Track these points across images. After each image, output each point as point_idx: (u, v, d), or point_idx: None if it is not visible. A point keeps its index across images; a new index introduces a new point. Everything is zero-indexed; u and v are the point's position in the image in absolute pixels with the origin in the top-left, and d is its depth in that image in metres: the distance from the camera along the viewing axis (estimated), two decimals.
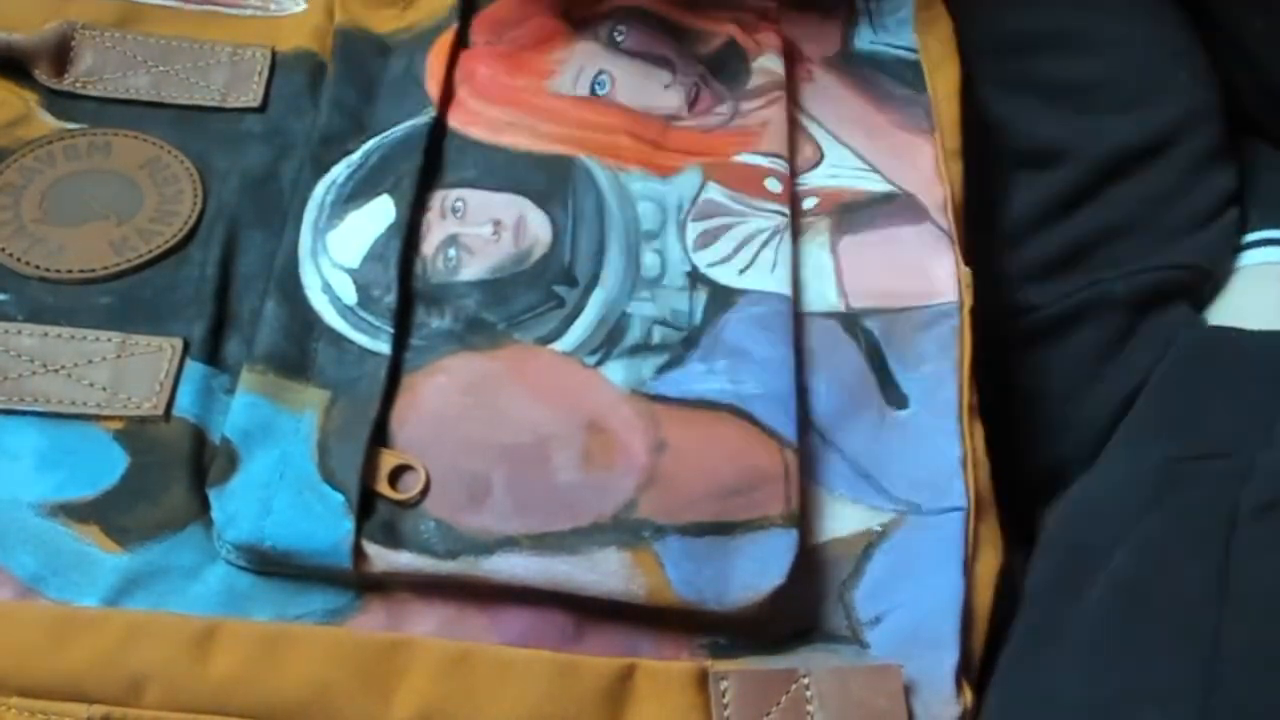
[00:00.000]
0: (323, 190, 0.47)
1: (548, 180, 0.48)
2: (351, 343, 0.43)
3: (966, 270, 0.47)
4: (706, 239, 0.47)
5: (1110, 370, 0.51)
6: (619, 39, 0.52)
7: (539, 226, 0.47)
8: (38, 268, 0.44)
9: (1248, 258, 0.57)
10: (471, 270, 0.45)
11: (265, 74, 0.51)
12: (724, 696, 0.38)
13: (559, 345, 0.44)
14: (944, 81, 0.53)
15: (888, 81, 0.53)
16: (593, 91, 0.51)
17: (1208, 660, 0.37)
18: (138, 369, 0.43)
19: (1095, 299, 0.52)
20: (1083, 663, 0.39)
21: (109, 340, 0.43)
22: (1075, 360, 0.52)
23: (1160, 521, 0.42)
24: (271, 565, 0.40)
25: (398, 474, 0.41)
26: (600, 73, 0.51)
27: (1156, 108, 0.55)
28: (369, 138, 0.48)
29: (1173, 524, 0.41)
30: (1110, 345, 0.51)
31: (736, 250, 0.47)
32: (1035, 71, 0.57)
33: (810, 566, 0.41)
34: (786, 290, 0.46)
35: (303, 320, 0.44)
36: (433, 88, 0.49)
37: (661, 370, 0.44)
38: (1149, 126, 0.55)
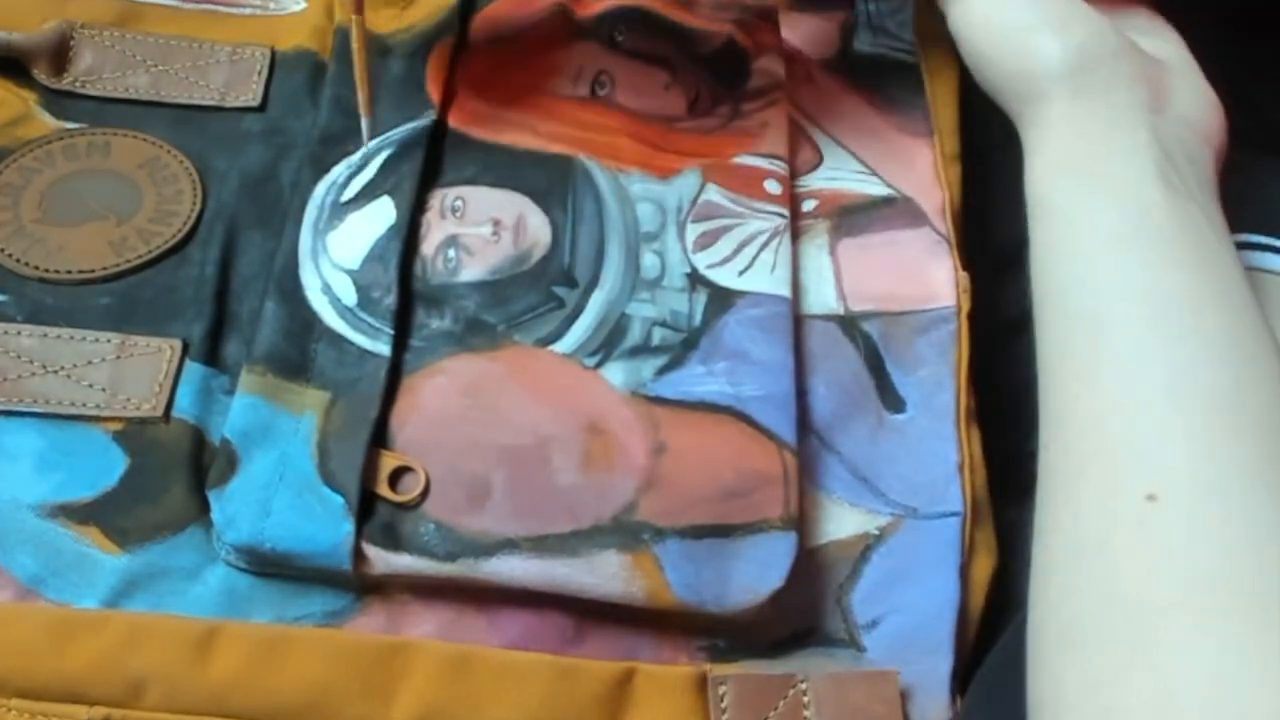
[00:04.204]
0: (323, 191, 0.47)
1: (547, 180, 0.48)
2: (351, 344, 0.43)
3: (964, 275, 0.47)
4: (706, 240, 0.47)
5: None
6: (619, 39, 0.51)
7: (538, 227, 0.47)
8: (37, 268, 0.44)
9: None
10: (471, 271, 0.45)
11: (264, 73, 0.51)
12: (722, 701, 0.38)
13: (559, 346, 0.44)
14: (943, 85, 0.53)
15: (887, 84, 0.53)
16: (593, 92, 0.51)
17: None
18: (137, 370, 0.43)
19: None
20: None
21: (108, 341, 0.43)
22: None
23: None
24: (271, 567, 0.40)
25: (398, 475, 0.41)
26: (600, 73, 0.51)
27: None
28: (369, 138, 0.48)
29: None
30: None
31: (736, 252, 0.47)
32: None
33: (808, 569, 0.41)
34: (786, 292, 0.46)
35: (302, 321, 0.43)
36: (433, 88, 0.49)
37: (661, 372, 0.44)
38: None
